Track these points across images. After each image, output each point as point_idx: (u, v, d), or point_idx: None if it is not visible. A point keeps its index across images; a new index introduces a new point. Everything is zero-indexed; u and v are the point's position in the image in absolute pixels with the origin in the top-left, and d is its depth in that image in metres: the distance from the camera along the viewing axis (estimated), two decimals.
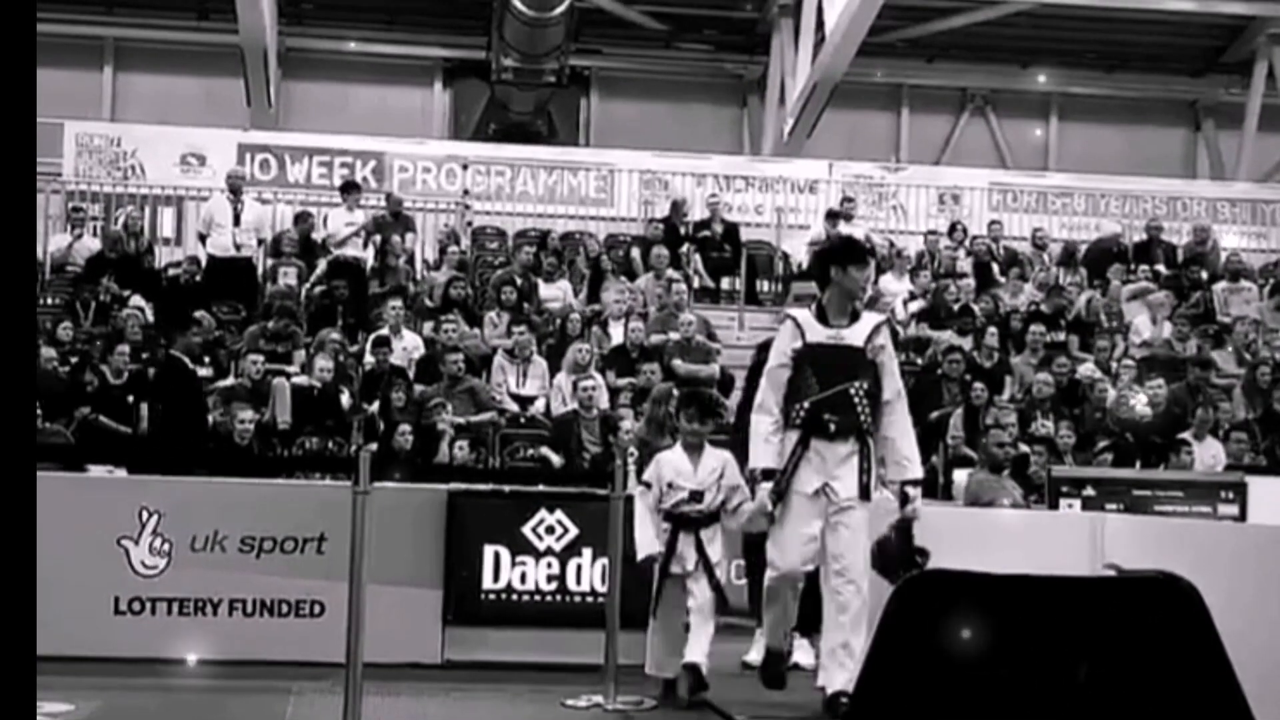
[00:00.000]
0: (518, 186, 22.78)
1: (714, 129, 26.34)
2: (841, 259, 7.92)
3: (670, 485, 8.35)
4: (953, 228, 21.72)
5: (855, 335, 7.80)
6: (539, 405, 16.16)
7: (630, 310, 17.97)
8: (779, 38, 24.92)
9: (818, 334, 7.78)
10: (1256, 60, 25.88)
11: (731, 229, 21.24)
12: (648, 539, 8.26)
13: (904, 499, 7.68)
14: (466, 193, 22.38)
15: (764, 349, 8.65)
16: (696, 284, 20.05)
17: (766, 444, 7.73)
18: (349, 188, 19.54)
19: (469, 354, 16.37)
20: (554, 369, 16.41)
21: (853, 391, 7.67)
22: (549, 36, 23.33)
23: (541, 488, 10.27)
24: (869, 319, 7.95)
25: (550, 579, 9.67)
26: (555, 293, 18.71)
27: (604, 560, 9.22)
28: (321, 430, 14.89)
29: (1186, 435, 15.06)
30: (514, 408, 16.11)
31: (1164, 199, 24.01)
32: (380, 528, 7.73)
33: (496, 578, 9.62)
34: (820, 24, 22.52)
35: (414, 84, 26.28)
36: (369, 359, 16.33)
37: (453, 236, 20.45)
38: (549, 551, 9.68)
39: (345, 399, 15.44)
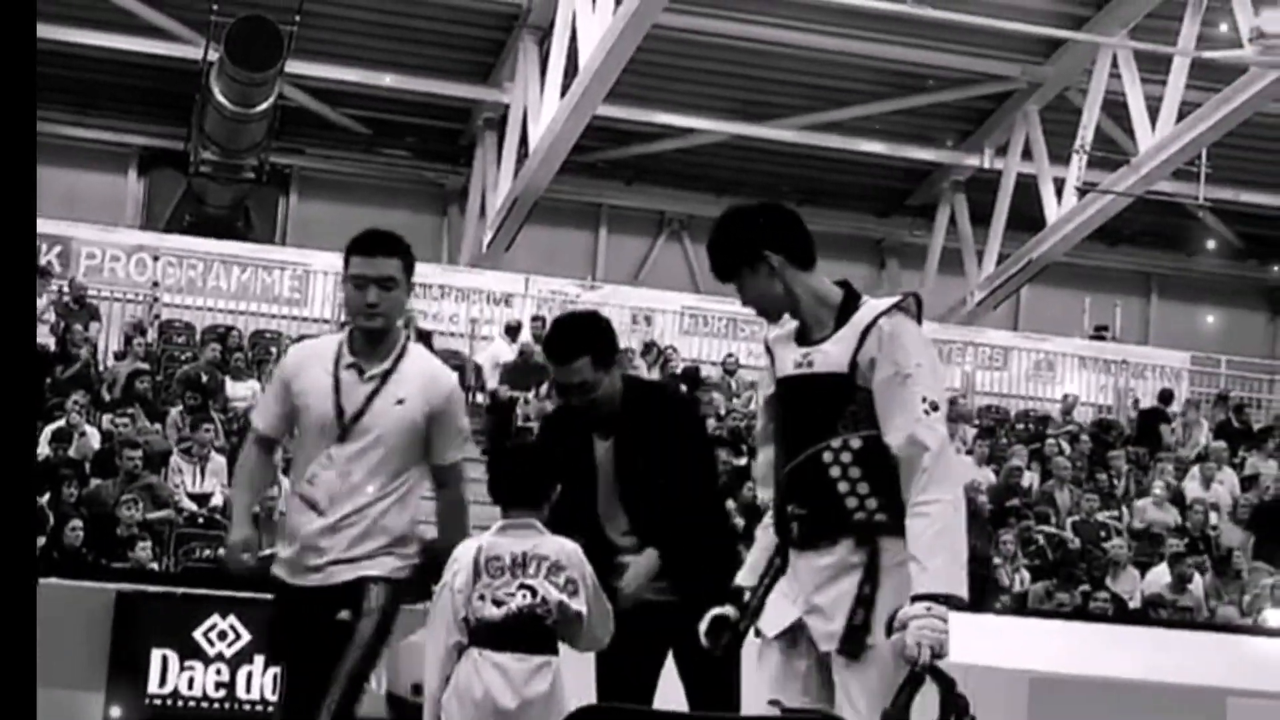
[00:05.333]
0: (210, 281, 22.38)
1: (413, 235, 25.76)
2: (776, 232, 4.84)
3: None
4: (647, 348, 22.01)
5: (834, 350, 4.57)
6: (217, 503, 15.81)
7: None
8: (482, 150, 25.11)
9: (786, 360, 4.69)
10: (939, 204, 26.97)
11: (425, 337, 21.16)
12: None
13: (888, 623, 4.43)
14: (156, 284, 21.89)
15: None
16: None
17: (749, 552, 4.92)
18: None
19: (148, 450, 15.95)
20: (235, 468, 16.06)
21: (828, 458, 4.51)
22: (250, 132, 23.07)
23: (215, 591, 10.02)
24: (863, 314, 4.59)
25: (219, 686, 9.43)
26: (244, 391, 18.38)
27: (276, 669, 9.00)
28: None
29: None
30: (192, 506, 15.73)
31: None
32: (42, 626, 7.43)
33: (163, 682, 9.34)
34: (524, 139, 22.76)
35: (107, 170, 25.66)
36: (45, 449, 15.77)
37: (139, 328, 19.97)
38: (219, 657, 9.44)
39: None
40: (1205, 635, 14.31)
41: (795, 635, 4.60)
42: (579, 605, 5.80)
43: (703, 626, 4.75)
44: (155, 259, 22.29)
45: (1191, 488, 19.66)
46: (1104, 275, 28.26)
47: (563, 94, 21.14)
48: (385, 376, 5.68)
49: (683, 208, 27.48)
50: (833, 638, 4.48)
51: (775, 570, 4.69)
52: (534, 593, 5.82)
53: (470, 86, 24.96)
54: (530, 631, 5.82)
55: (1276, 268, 29.37)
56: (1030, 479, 19.39)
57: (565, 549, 5.88)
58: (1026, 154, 25.02)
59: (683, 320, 23.98)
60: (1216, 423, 22.71)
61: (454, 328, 22.77)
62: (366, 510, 5.61)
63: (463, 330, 22.72)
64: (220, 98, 22.07)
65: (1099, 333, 26.74)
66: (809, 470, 4.55)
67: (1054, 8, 23.01)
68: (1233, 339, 28.10)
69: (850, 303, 4.62)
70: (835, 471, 4.52)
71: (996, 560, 16.50)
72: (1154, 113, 22.35)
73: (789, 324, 4.72)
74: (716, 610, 4.74)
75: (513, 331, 21.00)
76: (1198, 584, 16.72)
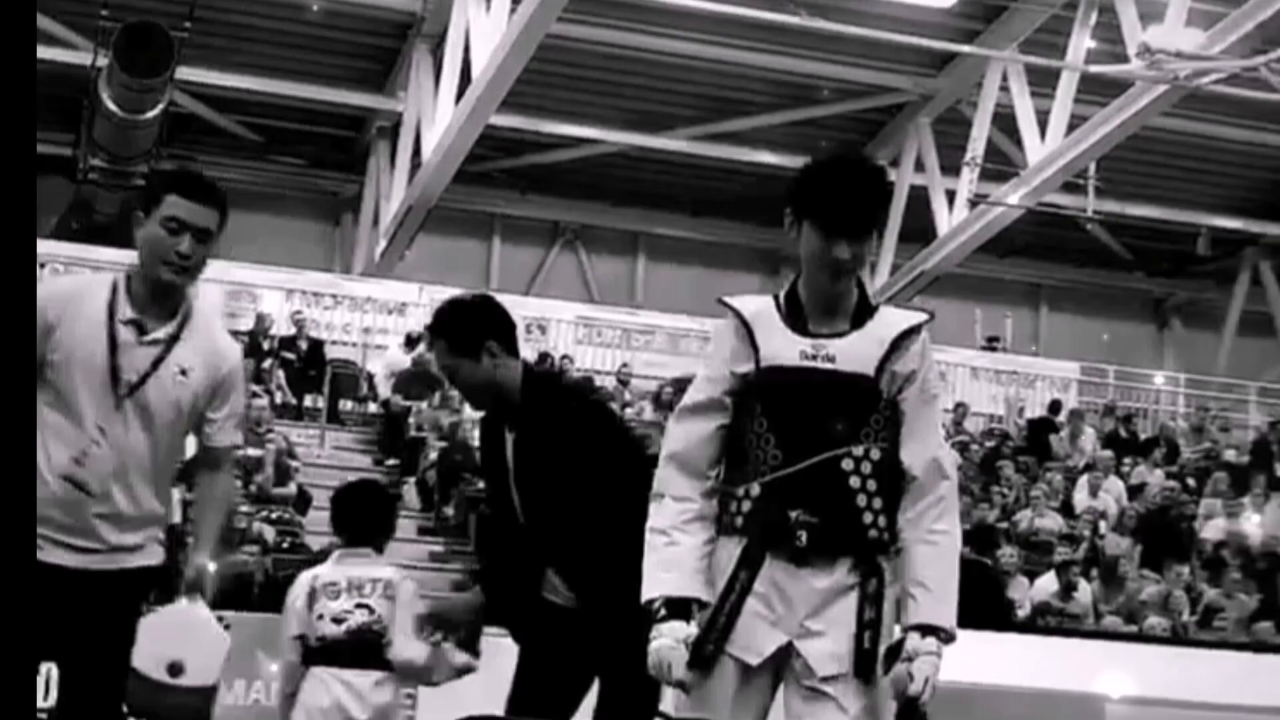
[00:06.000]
0: None
1: (306, 244, 26.13)
2: (817, 202, 4.22)
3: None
4: (541, 358, 21.96)
5: (858, 351, 4.20)
6: None
7: None
8: (376, 158, 25.01)
9: (785, 347, 4.21)
10: None
11: (316, 346, 21.04)
12: None
13: (889, 653, 4.16)
14: None
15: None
16: (279, 400, 19.74)
17: (673, 552, 4.24)
18: None
19: None
20: None
21: (849, 465, 4.16)
22: (140, 139, 22.80)
23: None
24: (888, 320, 4.25)
25: None
26: None
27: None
28: None
29: None
30: None
31: None
32: None
33: None
34: (418, 148, 22.67)
35: None
36: None
37: None
38: None
39: None
40: (1088, 643, 14.49)
41: (775, 663, 4.16)
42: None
43: (679, 658, 4.11)
44: (41, 266, 21.95)
45: (1079, 497, 19.88)
46: (995, 287, 28.56)
47: (456, 103, 21.07)
48: (170, 341, 4.88)
49: (577, 218, 27.48)
50: (837, 659, 4.11)
51: (741, 587, 4.15)
52: (371, 610, 6.40)
53: (364, 95, 24.84)
54: (370, 648, 6.39)
55: (1163, 280, 29.79)
56: None
57: (399, 577, 6.54)
58: (919, 166, 25.23)
59: (577, 330, 23.96)
60: (1104, 432, 22.98)
61: (347, 337, 22.61)
62: (140, 495, 4.85)
63: (355, 340, 22.57)
64: (109, 104, 21.80)
65: (990, 343, 26.99)
66: (825, 476, 4.14)
67: (946, 21, 23.21)
68: (1120, 350, 28.46)
69: (865, 301, 4.28)
70: (855, 482, 4.16)
71: None
72: (1043, 126, 22.64)
73: (760, 301, 4.33)
74: (685, 632, 4.13)
75: (412, 342, 20.88)
76: (1085, 591, 16.90)
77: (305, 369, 20.60)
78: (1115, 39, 20.85)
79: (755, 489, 4.17)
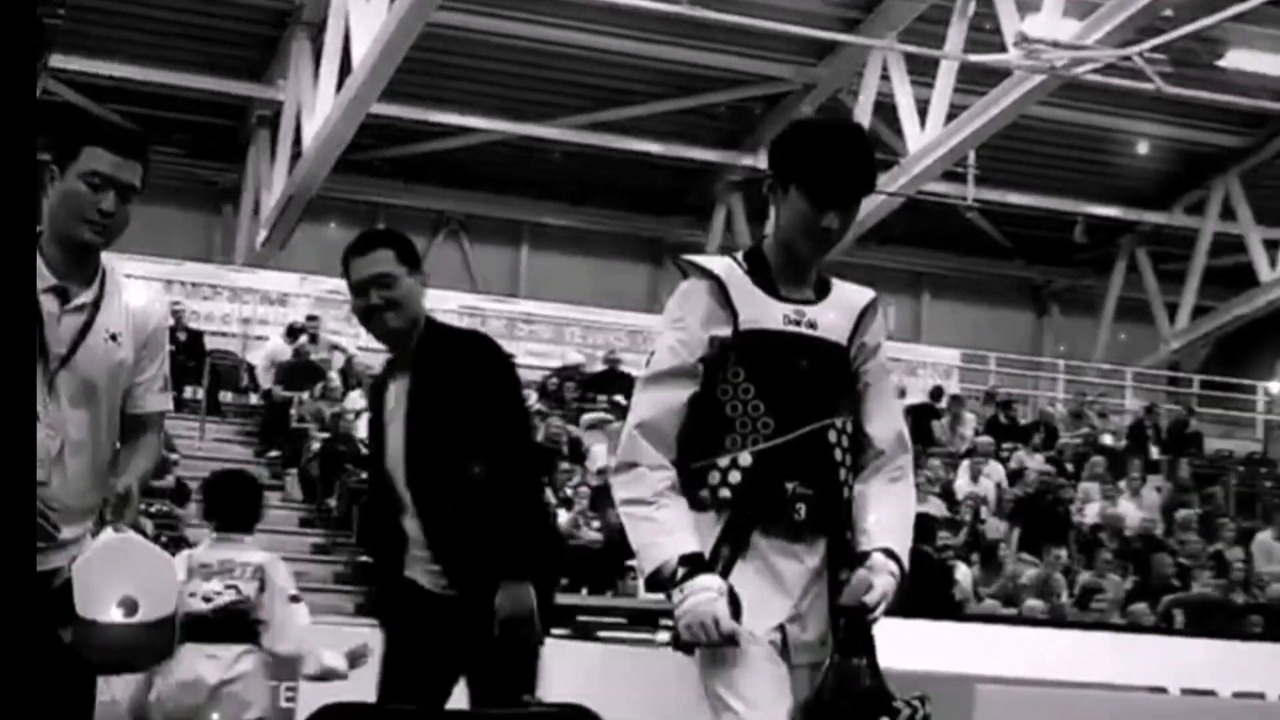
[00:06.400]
0: None
1: (185, 234, 25.79)
2: (809, 168, 3.97)
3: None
4: None
5: (833, 320, 4.07)
6: None
7: None
8: (256, 148, 24.75)
9: (766, 311, 4.01)
10: (716, 204, 27.24)
11: (195, 337, 20.81)
12: None
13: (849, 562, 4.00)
14: None
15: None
16: None
17: (668, 515, 3.93)
18: None
19: None
20: None
21: (833, 437, 3.99)
22: None
23: None
24: (848, 292, 4.15)
25: None
26: None
27: None
28: None
29: (634, 562, 15.47)
30: None
31: (626, 331, 24.81)
32: None
33: None
34: (298, 138, 22.48)
35: None
36: None
37: None
38: None
39: None
40: (964, 626, 14.64)
41: (774, 644, 3.90)
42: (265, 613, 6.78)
43: (723, 608, 3.76)
44: None
45: (960, 482, 20.07)
46: (877, 274, 28.67)
47: (337, 92, 20.92)
48: (95, 306, 4.36)
49: (460, 207, 27.37)
50: (810, 649, 3.93)
51: (724, 565, 3.89)
52: (239, 591, 6.81)
53: (243, 84, 24.58)
54: (236, 625, 6.78)
55: (1043, 267, 30.13)
56: None
57: (270, 561, 6.93)
58: None
59: (460, 320, 23.79)
60: (985, 418, 23.22)
61: (226, 328, 22.39)
62: (80, 482, 4.33)
63: (236, 331, 22.35)
64: None
65: None
66: (814, 447, 3.95)
67: (826, 10, 23.34)
68: (1001, 337, 28.79)
69: (820, 271, 4.13)
70: (838, 454, 3.98)
71: None
72: (923, 115, 22.82)
73: (722, 262, 4.07)
74: (718, 583, 3.79)
75: (294, 333, 20.73)
76: (965, 575, 17.06)
77: (184, 360, 20.37)
78: (994, 29, 21.05)
79: (745, 459, 3.91)
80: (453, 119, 25.10)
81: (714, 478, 3.92)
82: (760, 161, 26.18)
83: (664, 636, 12.68)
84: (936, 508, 18.69)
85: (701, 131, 26.29)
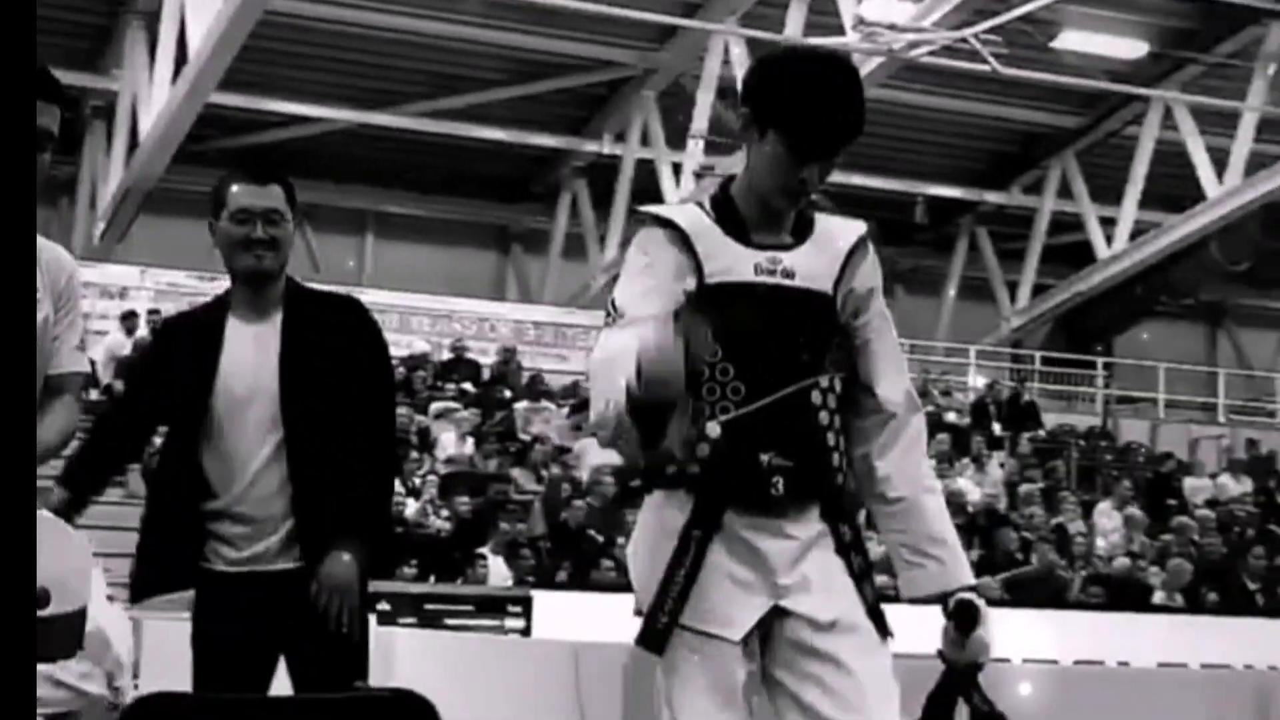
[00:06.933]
0: None
1: None
2: (793, 115, 3.52)
3: None
4: None
5: (813, 265, 3.62)
6: None
7: None
8: (91, 140, 24.32)
9: (735, 260, 3.58)
10: (562, 190, 27.23)
11: None
12: None
13: (962, 620, 3.68)
14: None
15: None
16: None
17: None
18: None
19: None
20: None
21: (817, 399, 3.58)
22: None
23: None
24: (833, 230, 3.71)
25: None
26: None
27: None
28: None
29: (484, 550, 15.45)
30: None
31: (474, 319, 24.73)
32: None
33: None
34: (134, 129, 22.13)
35: None
36: None
37: None
38: None
39: None
40: None
41: (749, 637, 3.51)
42: None
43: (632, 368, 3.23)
44: None
45: None
46: None
47: (173, 81, 20.60)
48: None
49: (304, 197, 26.16)
50: (840, 608, 3.53)
51: (696, 546, 3.48)
52: None
53: (76, 73, 24.06)
54: None
55: (885, 247, 30.37)
56: None
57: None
58: (645, 139, 25.40)
59: None
60: None
61: None
62: None
63: None
64: None
65: None
66: (794, 411, 3.52)
67: None
68: None
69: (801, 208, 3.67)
70: (824, 417, 3.56)
71: (621, 540, 16.71)
72: None
73: (686, 210, 3.64)
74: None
75: (129, 317, 20.40)
76: None
77: None
78: (832, 11, 21.23)
79: (713, 430, 3.50)
80: (293, 108, 24.87)
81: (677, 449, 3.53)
82: (607, 146, 26.24)
83: (513, 623, 12.67)
84: None
85: (545, 118, 26.25)
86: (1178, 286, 29.25)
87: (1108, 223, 27.12)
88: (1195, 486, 22.56)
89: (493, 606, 11.21)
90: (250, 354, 4.90)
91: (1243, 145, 24.71)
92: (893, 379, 3.68)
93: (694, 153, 24.05)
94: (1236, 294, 31.81)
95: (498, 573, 15.20)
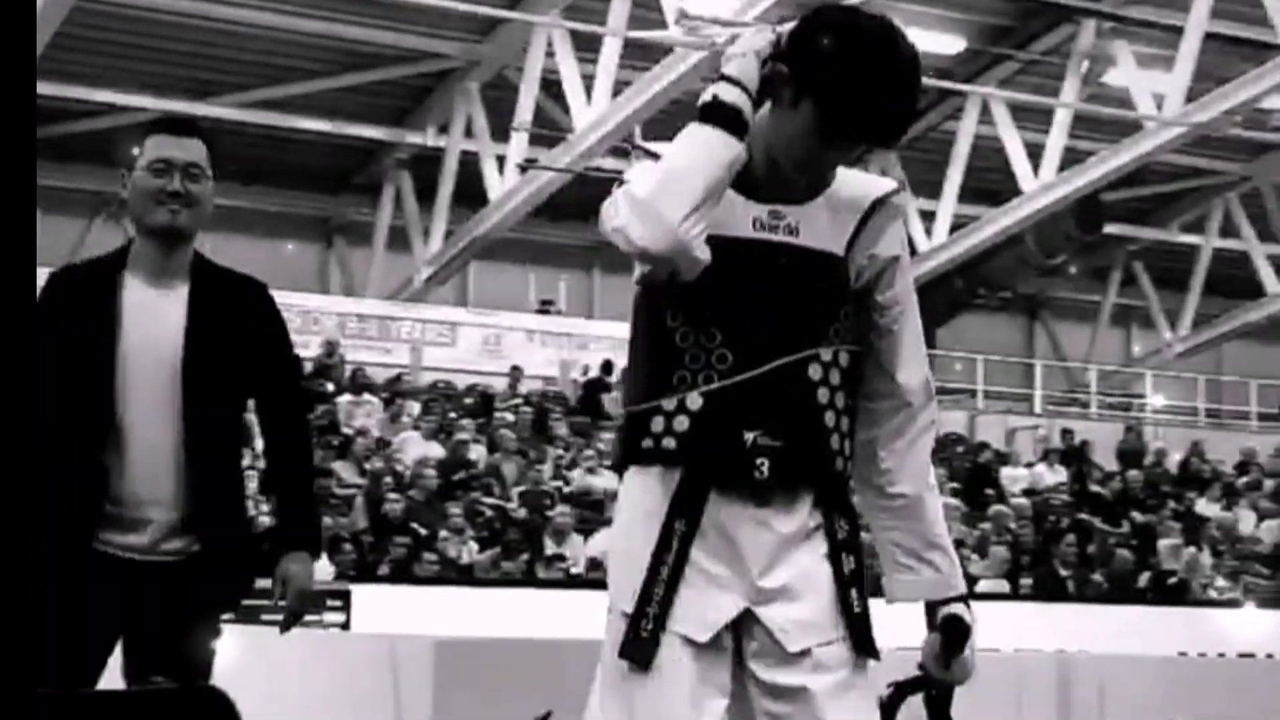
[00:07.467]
0: None
1: None
2: (836, 94, 3.13)
3: None
4: None
5: (824, 222, 3.27)
6: None
7: None
8: None
9: (733, 213, 3.23)
10: (385, 183, 27.04)
11: None
12: None
13: (951, 638, 3.36)
14: None
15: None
16: None
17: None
18: None
19: None
20: None
21: (816, 373, 3.21)
22: None
23: None
24: (854, 183, 3.34)
25: None
26: None
27: None
28: None
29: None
30: None
31: (298, 312, 24.45)
32: None
33: None
34: None
35: None
36: None
37: None
38: None
39: None
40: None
41: (721, 635, 3.16)
42: None
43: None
44: None
45: None
46: (548, 250, 28.91)
47: None
48: None
49: (119, 188, 26.58)
50: (815, 628, 3.17)
51: (681, 536, 3.13)
52: None
53: None
54: None
55: None
56: (478, 452, 19.63)
57: None
58: (468, 131, 25.31)
59: None
60: None
61: None
62: None
63: None
64: None
65: (544, 307, 27.34)
66: (788, 386, 3.15)
67: None
68: None
69: None
70: (823, 395, 3.18)
71: (444, 533, 16.65)
72: (590, 91, 22.95)
73: None
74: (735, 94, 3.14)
75: None
76: None
77: None
78: (654, 5, 21.28)
79: (695, 401, 3.15)
80: (109, 96, 24.41)
81: (657, 424, 3.17)
82: (430, 138, 26.10)
83: (332, 618, 12.55)
84: (606, 481, 18.87)
85: (368, 109, 26.06)
86: (996, 280, 29.80)
87: (927, 216, 27.52)
88: (1012, 476, 23.01)
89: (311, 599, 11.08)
90: (151, 320, 4.66)
91: (1057, 140, 25.19)
92: (914, 365, 3.33)
93: (518, 145, 24.02)
94: (1053, 287, 32.51)
95: (319, 567, 15.05)
